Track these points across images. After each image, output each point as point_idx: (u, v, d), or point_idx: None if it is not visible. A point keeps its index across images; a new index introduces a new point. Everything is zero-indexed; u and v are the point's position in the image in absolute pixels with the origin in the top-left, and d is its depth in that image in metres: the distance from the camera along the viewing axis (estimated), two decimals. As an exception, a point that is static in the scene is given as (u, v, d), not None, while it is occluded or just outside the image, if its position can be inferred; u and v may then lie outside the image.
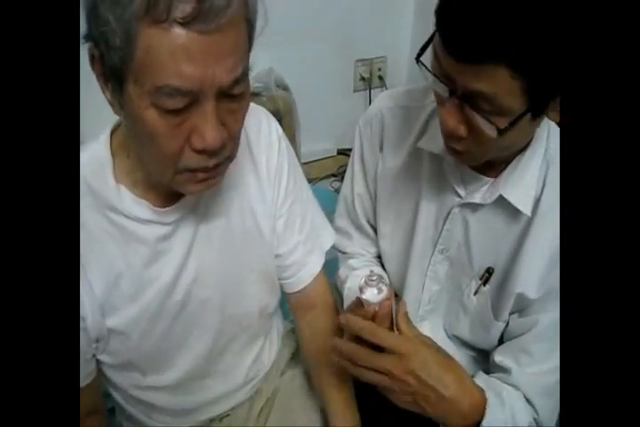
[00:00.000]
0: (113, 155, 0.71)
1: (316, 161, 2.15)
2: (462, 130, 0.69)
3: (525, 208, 0.77)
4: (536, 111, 0.65)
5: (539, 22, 0.56)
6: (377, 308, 0.72)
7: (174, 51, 0.53)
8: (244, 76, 0.60)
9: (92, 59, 0.60)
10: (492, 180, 0.81)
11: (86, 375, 0.78)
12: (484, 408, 0.74)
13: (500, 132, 0.65)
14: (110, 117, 0.70)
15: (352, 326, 0.73)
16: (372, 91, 2.21)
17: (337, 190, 2.10)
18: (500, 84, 0.61)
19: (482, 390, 0.75)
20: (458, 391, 0.72)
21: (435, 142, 0.83)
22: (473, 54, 0.60)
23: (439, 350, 0.75)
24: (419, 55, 0.69)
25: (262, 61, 1.77)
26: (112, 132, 0.73)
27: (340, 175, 2.19)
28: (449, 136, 0.72)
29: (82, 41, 0.59)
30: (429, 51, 0.68)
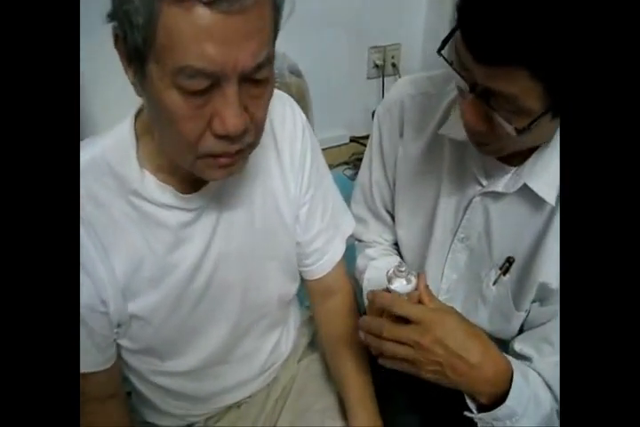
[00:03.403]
0: (137, 139, 0.71)
1: (328, 148, 2.15)
2: (482, 125, 0.69)
3: (550, 198, 0.76)
4: (556, 110, 0.64)
5: (559, 25, 0.55)
6: (405, 298, 0.72)
7: (196, 31, 0.52)
8: (268, 61, 0.59)
9: (116, 39, 0.59)
10: (514, 169, 0.80)
11: (107, 359, 0.79)
12: (510, 377, 0.73)
13: (519, 131, 0.64)
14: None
15: (377, 300, 0.73)
16: (385, 78, 2.20)
17: (350, 178, 2.10)
18: (520, 86, 0.60)
19: (507, 360, 0.75)
20: (484, 358, 0.71)
21: (457, 129, 0.83)
22: (494, 56, 0.59)
23: (464, 318, 0.75)
24: (440, 48, 0.68)
25: (276, 47, 1.75)
26: (136, 116, 0.72)
27: (352, 163, 2.19)
28: (469, 130, 0.73)
29: (106, 20, 0.58)
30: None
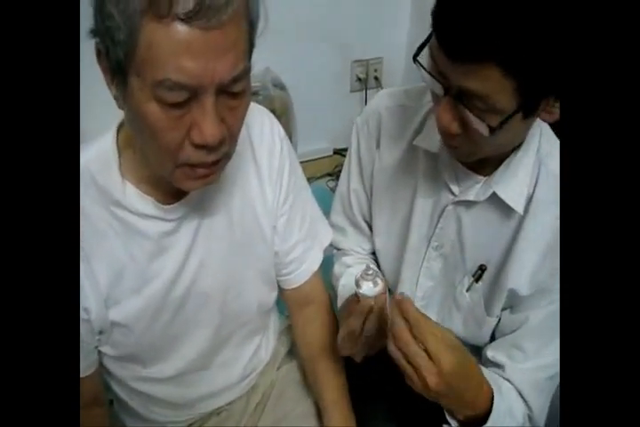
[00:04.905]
0: (120, 150, 0.73)
1: (312, 160, 2.17)
2: (456, 127, 0.71)
3: (518, 206, 0.79)
4: (527, 110, 0.67)
5: (530, 22, 0.58)
6: (373, 302, 0.74)
7: (175, 46, 0.55)
8: (244, 75, 0.61)
9: (99, 54, 0.61)
10: (485, 178, 0.83)
11: (88, 366, 0.80)
12: (489, 399, 0.76)
13: (492, 130, 0.67)
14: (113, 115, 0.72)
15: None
16: (368, 91, 2.22)
17: (332, 189, 2.12)
18: (492, 84, 0.63)
19: (489, 386, 0.77)
20: (476, 393, 0.74)
21: (430, 140, 0.86)
22: (466, 53, 0.62)
23: (465, 351, 0.73)
24: (416, 54, 0.71)
25: (259, 61, 1.77)
26: (119, 129, 0.74)
27: (335, 175, 2.20)
28: (443, 133, 0.75)
29: (89, 36, 0.60)
30: (425, 51, 0.70)
